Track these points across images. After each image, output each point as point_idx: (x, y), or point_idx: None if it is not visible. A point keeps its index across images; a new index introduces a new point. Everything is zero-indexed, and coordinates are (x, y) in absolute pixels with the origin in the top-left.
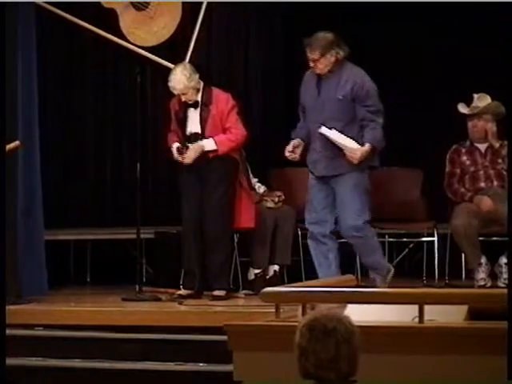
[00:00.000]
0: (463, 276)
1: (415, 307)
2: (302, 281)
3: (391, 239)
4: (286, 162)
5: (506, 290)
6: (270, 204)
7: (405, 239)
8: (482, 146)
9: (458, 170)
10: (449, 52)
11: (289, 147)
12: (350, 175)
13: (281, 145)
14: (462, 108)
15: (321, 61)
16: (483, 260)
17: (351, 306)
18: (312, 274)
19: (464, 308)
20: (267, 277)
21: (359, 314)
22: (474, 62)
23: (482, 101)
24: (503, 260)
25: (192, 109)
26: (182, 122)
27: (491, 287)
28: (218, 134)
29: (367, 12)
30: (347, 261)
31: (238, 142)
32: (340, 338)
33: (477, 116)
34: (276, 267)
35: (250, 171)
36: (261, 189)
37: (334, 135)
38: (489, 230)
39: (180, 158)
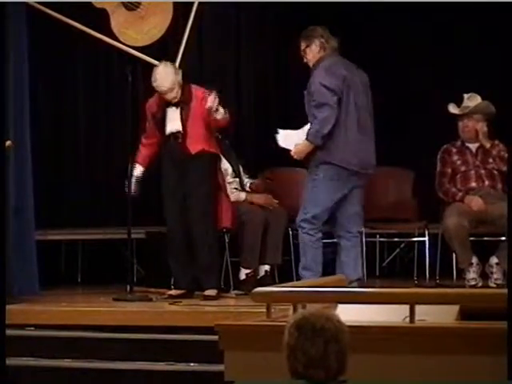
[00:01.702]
0: (454, 276)
1: (406, 307)
2: (293, 281)
3: (382, 239)
4: (277, 162)
5: (496, 290)
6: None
7: (396, 239)
8: (473, 146)
9: (449, 170)
10: (440, 52)
11: None
12: (307, 172)
13: (273, 145)
14: (453, 108)
15: (307, 51)
16: (474, 260)
17: (342, 305)
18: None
19: (455, 308)
20: (258, 277)
21: (350, 313)
22: (465, 62)
23: (472, 101)
24: (494, 260)
25: (171, 108)
26: (161, 122)
27: (482, 287)
28: (199, 131)
29: (360, 12)
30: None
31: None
32: (329, 336)
33: (467, 116)
34: (267, 267)
35: (241, 171)
36: (247, 184)
37: (280, 138)
38: (480, 230)
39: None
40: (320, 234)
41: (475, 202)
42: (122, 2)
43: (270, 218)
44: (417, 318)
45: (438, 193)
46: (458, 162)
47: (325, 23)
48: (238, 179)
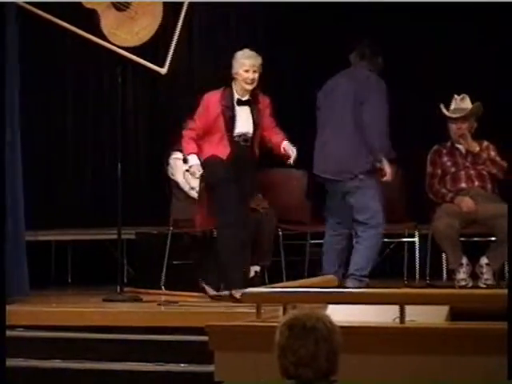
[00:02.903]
0: (444, 276)
1: (396, 308)
2: (282, 281)
3: None
4: (268, 164)
5: (486, 291)
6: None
7: (386, 239)
8: (463, 147)
9: (439, 171)
10: (425, 52)
11: None
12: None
13: (264, 147)
14: (448, 111)
15: None
16: (464, 260)
17: (332, 306)
18: (293, 275)
19: (445, 308)
20: (248, 277)
21: (340, 314)
22: (450, 63)
23: (464, 102)
24: (484, 260)
25: (242, 107)
26: (231, 120)
27: (472, 288)
28: (259, 136)
29: (346, 14)
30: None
31: None
32: (319, 335)
33: (461, 118)
34: (257, 268)
35: None
36: None
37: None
38: (470, 231)
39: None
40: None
41: (465, 203)
42: (112, 3)
43: (261, 219)
44: (407, 318)
45: (428, 194)
46: (448, 163)
47: (319, 23)
48: None
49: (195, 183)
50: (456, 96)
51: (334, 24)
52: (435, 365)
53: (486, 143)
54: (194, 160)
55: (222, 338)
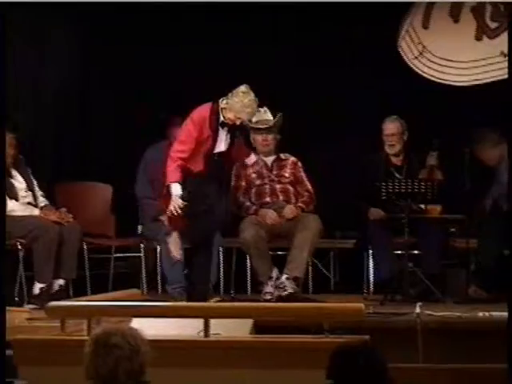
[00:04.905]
0: (249, 290)
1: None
2: (87, 295)
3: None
4: (72, 177)
5: (288, 305)
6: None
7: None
8: (269, 160)
9: (244, 183)
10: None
11: None
12: None
13: (69, 159)
14: (255, 122)
15: None
16: (274, 273)
17: (137, 319)
18: (98, 288)
19: (249, 322)
20: (52, 291)
21: (145, 327)
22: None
23: (267, 114)
24: (285, 275)
25: (223, 128)
26: (213, 140)
27: (277, 301)
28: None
29: None
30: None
31: None
32: (121, 354)
33: (267, 130)
34: (61, 281)
35: (36, 185)
36: (42, 203)
37: None
38: (274, 244)
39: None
40: None
41: (269, 216)
42: None
43: (65, 232)
44: (213, 331)
45: (231, 207)
46: (253, 175)
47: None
48: (31, 193)
49: None
50: (261, 109)
51: None
52: (240, 378)
53: (287, 155)
54: (177, 190)
55: (26, 352)
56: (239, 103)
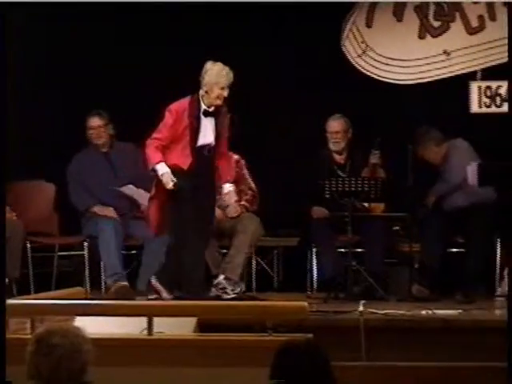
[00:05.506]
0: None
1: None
2: (30, 294)
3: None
4: (14, 177)
5: (231, 303)
6: None
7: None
8: None
9: None
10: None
11: None
12: None
13: (12, 158)
14: None
15: None
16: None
17: (80, 318)
18: (41, 287)
19: (193, 320)
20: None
21: (88, 326)
22: None
23: None
24: (221, 276)
25: (207, 117)
26: (196, 131)
27: (221, 299)
28: (225, 150)
29: None
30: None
31: None
32: (63, 353)
33: None
34: (5, 280)
35: None
36: None
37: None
38: (220, 243)
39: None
40: None
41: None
42: None
43: (7, 231)
44: (157, 330)
45: None
46: None
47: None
48: None
49: None
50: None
51: None
52: (183, 376)
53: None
54: (163, 168)
55: None
56: (214, 72)
